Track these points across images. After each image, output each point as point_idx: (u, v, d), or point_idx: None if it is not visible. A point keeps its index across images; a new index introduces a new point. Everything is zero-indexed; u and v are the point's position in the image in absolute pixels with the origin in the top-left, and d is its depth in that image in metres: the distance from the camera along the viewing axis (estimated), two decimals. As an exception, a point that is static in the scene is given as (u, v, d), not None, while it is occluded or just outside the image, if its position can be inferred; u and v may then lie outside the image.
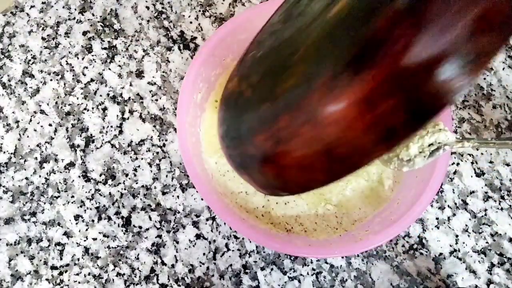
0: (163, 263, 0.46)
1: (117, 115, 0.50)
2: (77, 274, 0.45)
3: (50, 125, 0.50)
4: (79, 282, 0.45)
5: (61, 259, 0.45)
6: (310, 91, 0.24)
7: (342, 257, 0.46)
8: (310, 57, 0.26)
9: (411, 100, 0.22)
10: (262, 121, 0.27)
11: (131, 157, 0.49)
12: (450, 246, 0.46)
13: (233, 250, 0.46)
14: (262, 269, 0.45)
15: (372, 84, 0.22)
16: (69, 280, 0.45)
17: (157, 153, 0.49)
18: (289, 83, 0.26)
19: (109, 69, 0.52)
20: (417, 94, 0.22)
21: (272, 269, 0.45)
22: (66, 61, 0.52)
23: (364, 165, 0.24)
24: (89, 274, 0.45)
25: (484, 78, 0.52)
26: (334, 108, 0.23)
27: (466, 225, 0.47)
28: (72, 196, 0.47)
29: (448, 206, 0.48)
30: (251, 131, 0.28)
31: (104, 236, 0.46)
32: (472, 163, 0.49)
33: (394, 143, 0.23)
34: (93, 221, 0.47)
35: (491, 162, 0.49)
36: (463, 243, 0.46)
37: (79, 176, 0.48)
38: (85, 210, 0.47)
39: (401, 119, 0.23)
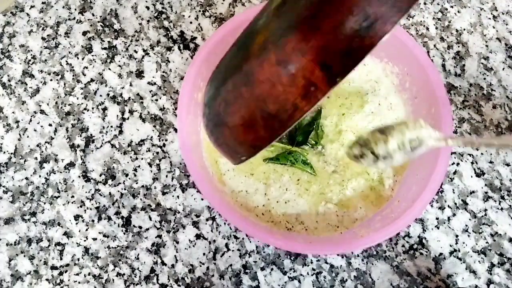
0: (163, 263, 0.45)
1: (117, 115, 0.50)
2: (77, 274, 0.45)
3: (50, 125, 0.50)
4: (79, 282, 0.45)
5: (61, 259, 0.45)
6: (246, 57, 0.30)
7: (342, 257, 0.46)
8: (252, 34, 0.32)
9: (324, 56, 0.27)
10: (218, 86, 0.33)
11: (131, 157, 0.49)
12: (450, 246, 0.46)
13: (233, 250, 0.46)
14: (262, 269, 0.45)
15: (290, 46, 0.27)
16: (69, 280, 0.45)
17: (157, 153, 0.49)
18: (238, 57, 0.33)
19: (109, 69, 0.52)
20: (329, 51, 0.27)
21: (272, 269, 0.45)
22: (66, 61, 0.52)
23: (294, 121, 0.29)
24: (89, 274, 0.45)
25: (484, 78, 0.53)
26: (262, 69, 0.29)
27: (466, 225, 0.47)
28: (72, 196, 0.47)
29: (448, 206, 0.48)
30: (213, 98, 0.34)
31: (104, 236, 0.46)
32: (472, 163, 0.49)
33: (313, 100, 0.28)
34: (93, 221, 0.47)
35: (491, 162, 0.49)
36: (463, 243, 0.46)
37: (79, 176, 0.48)
38: (85, 210, 0.47)
39: (317, 76, 0.27)
